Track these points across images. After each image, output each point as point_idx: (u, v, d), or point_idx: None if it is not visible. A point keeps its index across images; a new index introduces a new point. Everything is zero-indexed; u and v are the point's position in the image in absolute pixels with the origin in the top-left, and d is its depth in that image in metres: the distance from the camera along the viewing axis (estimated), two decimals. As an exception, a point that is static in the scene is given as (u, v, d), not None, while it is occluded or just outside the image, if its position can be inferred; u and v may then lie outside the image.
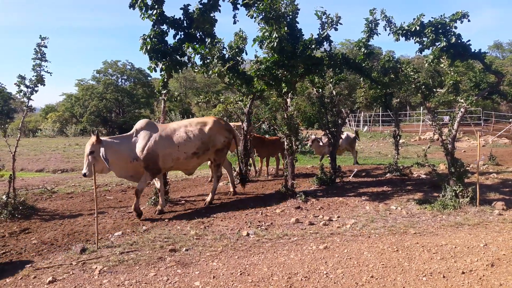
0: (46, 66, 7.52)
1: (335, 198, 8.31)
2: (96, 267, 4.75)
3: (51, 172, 16.67)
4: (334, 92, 9.90)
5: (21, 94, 7.47)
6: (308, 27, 8.00)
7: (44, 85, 7.46)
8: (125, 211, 7.65)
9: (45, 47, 7.42)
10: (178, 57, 7.49)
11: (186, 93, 57.63)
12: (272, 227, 6.39)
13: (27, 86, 7.43)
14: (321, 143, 12.18)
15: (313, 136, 11.96)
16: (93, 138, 6.42)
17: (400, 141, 11.45)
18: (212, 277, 4.44)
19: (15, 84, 7.28)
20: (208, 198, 7.90)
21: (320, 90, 9.84)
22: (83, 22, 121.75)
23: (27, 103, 7.59)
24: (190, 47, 7.43)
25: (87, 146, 6.38)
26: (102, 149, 6.25)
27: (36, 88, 7.48)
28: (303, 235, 5.91)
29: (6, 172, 7.57)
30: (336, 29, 7.57)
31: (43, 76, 7.49)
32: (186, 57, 7.71)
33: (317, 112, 9.93)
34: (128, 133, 6.96)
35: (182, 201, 8.42)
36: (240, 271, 4.58)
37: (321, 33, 7.60)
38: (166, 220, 6.96)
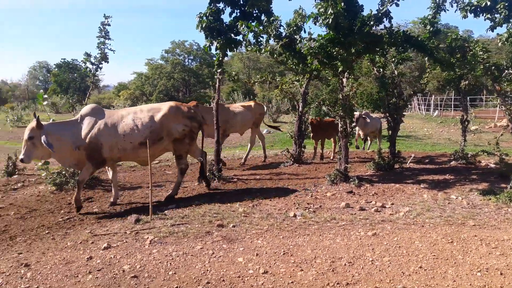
0: (110, 44, 7.92)
1: (391, 185, 7.96)
2: (148, 237, 5.01)
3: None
4: (396, 72, 9.36)
5: (87, 70, 7.96)
6: (368, 2, 7.49)
7: (107, 62, 7.89)
8: (181, 186, 7.96)
9: (109, 25, 7.81)
10: (232, 35, 7.49)
11: (250, 73, 57.98)
12: (321, 210, 6.29)
13: (92, 63, 7.90)
14: (368, 120, 11.65)
15: (357, 113, 11.41)
16: (33, 123, 5.82)
17: (473, 127, 10.58)
18: (255, 255, 4.49)
19: (81, 61, 7.81)
20: (170, 193, 7.01)
21: (381, 70, 9.35)
22: (155, 1, 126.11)
23: (92, 79, 8.10)
24: (243, 25, 7.36)
25: (26, 131, 5.85)
26: (43, 136, 5.72)
27: (100, 65, 7.92)
28: (352, 220, 5.75)
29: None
30: (397, 5, 7.07)
31: (107, 54, 7.90)
32: (240, 36, 7.69)
33: (377, 93, 9.46)
34: (73, 119, 6.33)
35: (235, 179, 8.56)
36: (284, 251, 4.58)
37: (381, 8, 7.15)
38: (218, 196, 7.13)
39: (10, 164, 8.92)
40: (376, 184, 8.04)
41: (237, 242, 4.88)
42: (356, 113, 12.01)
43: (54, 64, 57.07)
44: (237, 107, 10.58)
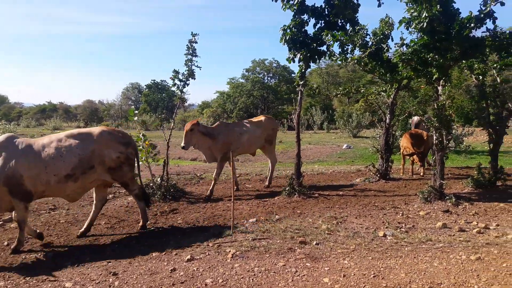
0: (197, 61, 8.18)
1: (495, 204, 7.04)
2: (230, 251, 4.91)
3: (203, 161, 18.38)
4: (498, 79, 8.39)
5: (175, 87, 8.29)
6: (467, 4, 6.80)
7: (194, 78, 8.14)
8: (261, 200, 7.85)
9: (196, 43, 8.07)
10: (316, 46, 7.30)
11: (328, 88, 57.23)
12: (414, 230, 5.71)
13: (180, 80, 8.21)
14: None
15: (416, 118, 10.28)
16: None
17: None
18: (342, 276, 4.15)
19: (170, 78, 8.14)
20: (140, 222, 6.20)
21: (480, 77, 8.45)
22: (237, 23, 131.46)
23: (180, 95, 8.43)
24: (329, 35, 7.13)
25: None
26: None
27: (187, 82, 8.21)
28: (450, 242, 5.12)
29: (162, 159, 8.53)
30: (502, 4, 6.33)
31: (194, 71, 8.17)
32: (324, 46, 7.46)
33: (475, 103, 8.56)
34: None
35: (316, 194, 8.24)
36: (374, 273, 4.17)
37: (483, 9, 6.44)
38: (298, 211, 6.88)
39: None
40: (476, 202, 7.18)
41: (321, 261, 4.56)
42: (415, 118, 11.00)
43: (145, 85, 61.79)
44: (243, 124, 9.06)
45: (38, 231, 5.67)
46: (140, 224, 6.17)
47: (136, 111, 8.79)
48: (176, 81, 8.27)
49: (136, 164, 6.08)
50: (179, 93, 8.44)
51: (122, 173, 5.72)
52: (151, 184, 8.09)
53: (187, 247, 5.17)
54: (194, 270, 4.38)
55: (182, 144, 7.91)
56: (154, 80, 59.86)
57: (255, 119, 9.24)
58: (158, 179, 8.15)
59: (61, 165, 5.16)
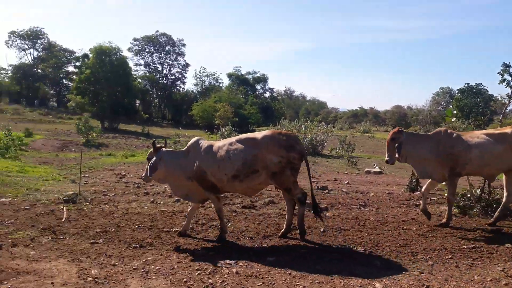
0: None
1: None
2: None
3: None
4: None
5: (504, 83, 6.94)
6: None
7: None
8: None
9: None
10: None
11: None
12: None
13: (510, 74, 6.82)
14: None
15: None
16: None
17: None
18: None
19: (498, 73, 6.86)
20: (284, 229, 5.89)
21: None
22: None
23: (510, 93, 6.99)
24: None
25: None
26: (153, 159, 5.76)
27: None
28: None
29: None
30: None
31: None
32: None
33: None
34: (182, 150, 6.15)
35: None
36: None
37: None
38: None
39: (413, 180, 9.18)
40: None
41: None
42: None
43: (457, 89, 56.89)
44: (477, 135, 6.47)
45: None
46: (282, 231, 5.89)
47: (455, 112, 7.93)
48: (506, 76, 6.92)
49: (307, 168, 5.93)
50: (509, 90, 7.01)
51: (284, 177, 5.52)
52: (468, 195, 7.09)
53: None
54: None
55: (386, 158, 6.54)
56: (468, 83, 54.26)
57: (495, 131, 6.59)
58: (478, 191, 7.06)
59: (229, 166, 5.50)
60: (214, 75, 57.97)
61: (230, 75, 56.98)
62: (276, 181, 5.56)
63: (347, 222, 6.56)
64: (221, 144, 5.78)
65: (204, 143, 5.84)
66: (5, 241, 5.36)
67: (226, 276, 4.35)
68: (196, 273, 4.42)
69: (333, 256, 5.03)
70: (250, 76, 58.26)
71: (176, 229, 6.01)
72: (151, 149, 5.89)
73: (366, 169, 13.72)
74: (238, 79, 56.45)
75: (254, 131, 39.17)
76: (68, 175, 11.48)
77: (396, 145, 6.24)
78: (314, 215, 5.91)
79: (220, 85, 57.28)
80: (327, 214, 7.03)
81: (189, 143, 6.02)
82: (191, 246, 5.43)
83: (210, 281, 4.22)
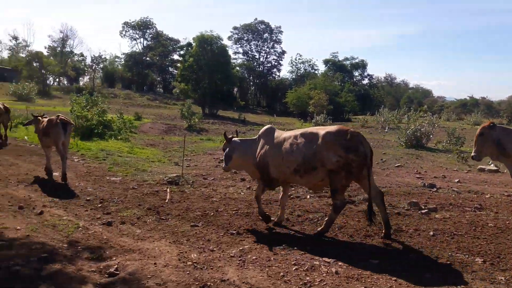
0: None
1: None
2: None
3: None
4: None
5: None
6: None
7: None
8: None
9: None
10: None
11: None
12: None
13: None
14: None
15: None
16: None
17: None
18: None
19: None
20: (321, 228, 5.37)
21: None
22: None
23: None
24: None
25: None
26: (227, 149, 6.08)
27: None
28: None
29: None
30: None
31: None
32: None
33: None
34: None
35: None
36: None
37: None
38: None
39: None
40: None
41: None
42: None
43: None
44: None
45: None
46: (318, 229, 5.41)
47: None
48: None
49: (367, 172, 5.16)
50: None
51: (337, 178, 5.11)
52: None
53: None
54: None
55: (473, 153, 6.14)
56: None
57: None
58: None
59: (291, 160, 5.34)
60: (309, 62, 57.32)
61: (326, 62, 55.76)
62: (330, 180, 5.17)
63: (461, 226, 5.81)
64: (287, 135, 5.62)
65: (273, 133, 5.77)
66: (115, 218, 5.78)
67: (324, 275, 4.10)
68: (293, 268, 4.24)
69: (445, 264, 4.47)
70: (347, 62, 56.39)
71: (273, 218, 5.91)
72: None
73: (479, 166, 12.23)
74: (334, 65, 55.01)
75: (349, 120, 38.08)
76: (172, 158, 12.18)
77: (496, 140, 5.82)
78: (367, 220, 5.29)
79: (316, 72, 56.41)
80: (436, 215, 6.33)
81: (260, 131, 6.03)
82: (287, 238, 5.28)
83: (308, 278, 4.01)
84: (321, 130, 5.29)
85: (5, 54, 59.28)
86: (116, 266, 4.09)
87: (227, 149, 5.95)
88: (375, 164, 11.62)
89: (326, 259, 4.49)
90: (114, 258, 4.34)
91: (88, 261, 4.24)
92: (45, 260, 4.13)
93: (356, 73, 57.15)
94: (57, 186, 7.47)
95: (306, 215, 6.21)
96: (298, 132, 5.58)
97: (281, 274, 4.09)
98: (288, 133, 5.72)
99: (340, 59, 56.11)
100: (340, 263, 4.39)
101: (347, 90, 43.84)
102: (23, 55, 51.59)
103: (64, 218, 5.61)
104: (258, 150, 5.74)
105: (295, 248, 4.87)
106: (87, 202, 6.49)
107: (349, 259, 4.51)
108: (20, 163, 9.19)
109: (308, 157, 5.19)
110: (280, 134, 5.70)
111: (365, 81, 57.35)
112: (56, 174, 8.08)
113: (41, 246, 4.51)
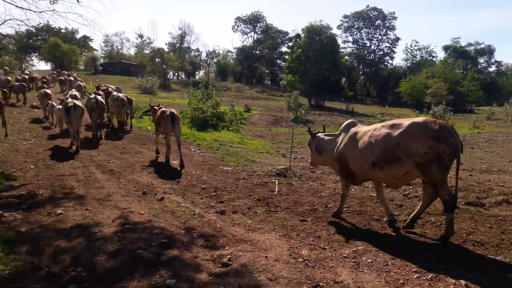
0: None
1: None
2: None
3: None
4: None
5: None
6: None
7: None
8: None
9: None
10: None
11: None
12: None
13: None
14: None
15: None
16: None
17: None
18: None
19: None
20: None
21: None
22: None
23: None
24: None
25: None
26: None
27: None
28: None
29: None
30: None
31: None
32: None
33: None
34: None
35: None
36: None
37: None
38: None
39: None
40: None
41: None
42: None
43: None
44: None
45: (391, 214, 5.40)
46: (442, 234, 4.84)
47: None
48: None
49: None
50: None
51: (430, 171, 4.74)
52: None
53: None
54: None
55: None
56: None
57: None
58: None
59: (370, 153, 5.20)
60: (427, 48, 52.98)
61: (446, 48, 50.99)
62: (422, 173, 4.81)
63: None
64: (367, 129, 5.52)
65: (354, 127, 5.70)
66: (227, 207, 5.94)
67: (452, 287, 3.62)
68: (414, 276, 3.84)
69: None
70: (471, 48, 50.78)
71: (387, 219, 5.48)
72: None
73: None
74: (456, 52, 50.00)
75: (472, 111, 34.19)
76: (279, 149, 12.24)
77: None
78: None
79: (434, 59, 51.92)
80: None
81: (342, 126, 5.99)
82: (405, 241, 4.84)
83: (432, 289, 3.58)
84: (406, 121, 5.10)
85: (132, 51, 66.62)
86: (229, 256, 4.16)
87: (312, 145, 6.24)
88: (507, 162, 10.15)
89: (453, 269, 3.98)
90: (227, 248, 4.43)
91: (203, 249, 4.39)
92: (165, 245, 4.39)
93: (482, 60, 51.14)
94: (176, 173, 7.99)
95: (428, 218, 5.63)
96: (378, 125, 5.45)
97: (401, 281, 3.73)
98: (368, 127, 5.62)
99: (463, 45, 50.69)
100: (471, 276, 3.84)
101: (470, 78, 39.39)
102: (147, 52, 57.27)
103: (182, 204, 5.95)
104: (337, 145, 5.79)
105: (415, 253, 4.43)
106: (203, 190, 6.80)
107: (482, 272, 3.93)
108: (144, 151, 10.08)
109: (389, 149, 5.00)
110: (360, 128, 5.66)
111: (492, 68, 51.06)
112: (175, 163, 8.68)
113: (161, 231, 4.80)
